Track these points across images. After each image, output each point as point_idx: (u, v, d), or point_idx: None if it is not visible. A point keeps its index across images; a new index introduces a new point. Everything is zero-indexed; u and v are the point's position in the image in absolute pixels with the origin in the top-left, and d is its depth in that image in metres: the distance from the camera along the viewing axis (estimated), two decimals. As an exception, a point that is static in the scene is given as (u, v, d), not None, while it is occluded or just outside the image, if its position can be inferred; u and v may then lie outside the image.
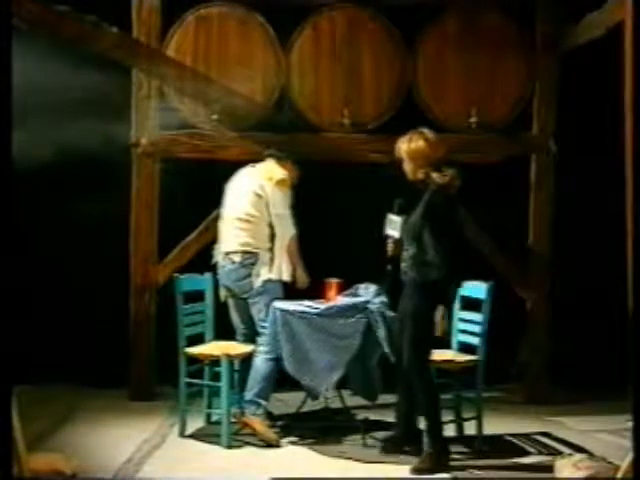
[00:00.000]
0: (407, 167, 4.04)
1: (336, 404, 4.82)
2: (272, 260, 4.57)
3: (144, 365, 5.35)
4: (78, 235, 5.42)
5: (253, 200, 4.58)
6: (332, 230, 5.38)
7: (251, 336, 4.66)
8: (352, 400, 4.83)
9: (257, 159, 4.88)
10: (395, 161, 4.11)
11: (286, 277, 4.59)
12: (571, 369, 5.55)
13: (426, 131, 4.06)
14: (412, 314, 3.99)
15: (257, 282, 4.53)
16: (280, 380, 4.53)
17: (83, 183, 5.28)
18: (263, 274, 4.54)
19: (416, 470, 3.91)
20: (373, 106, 5.33)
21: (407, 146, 4.02)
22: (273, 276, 4.55)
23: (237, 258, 4.57)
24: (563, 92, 5.39)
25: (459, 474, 3.92)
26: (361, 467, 4.03)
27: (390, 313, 4.28)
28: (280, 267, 4.55)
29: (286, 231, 4.57)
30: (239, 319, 4.75)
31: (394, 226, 4.07)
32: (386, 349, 4.24)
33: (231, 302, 4.74)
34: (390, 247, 4.11)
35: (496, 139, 5.36)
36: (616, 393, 4.81)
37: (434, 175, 3.94)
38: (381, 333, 4.26)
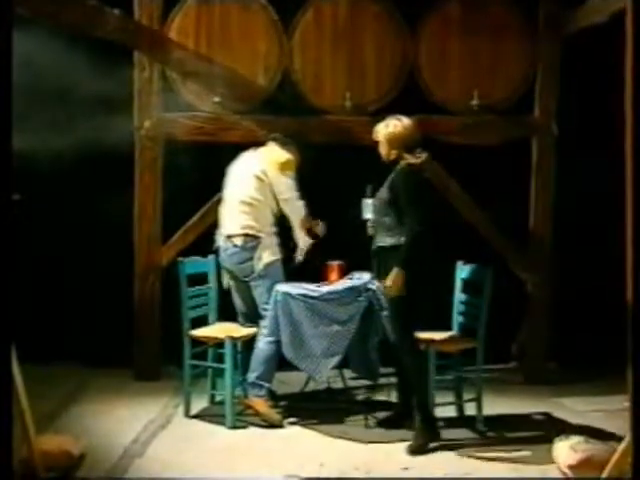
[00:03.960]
0: (382, 149, 4.24)
1: (338, 384, 4.89)
2: (277, 244, 4.64)
3: (149, 345, 5.40)
4: (84, 218, 5.46)
5: (256, 184, 4.60)
6: (334, 213, 5.39)
7: (253, 318, 4.71)
8: (353, 380, 4.89)
9: (259, 141, 4.90)
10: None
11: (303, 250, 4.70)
12: (571, 349, 5.61)
13: (402, 117, 4.23)
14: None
15: (259, 265, 4.57)
16: (283, 361, 4.57)
17: (86, 168, 5.29)
18: (265, 257, 4.57)
19: (410, 449, 3.99)
20: (375, 89, 5.33)
21: (385, 130, 4.20)
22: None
23: (239, 241, 4.61)
24: (565, 74, 5.38)
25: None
26: (363, 448, 4.10)
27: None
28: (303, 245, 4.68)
29: (296, 213, 4.64)
30: (241, 301, 4.80)
31: (371, 209, 4.31)
32: (388, 328, 4.28)
33: (233, 285, 4.79)
34: (370, 229, 4.32)
35: (497, 121, 5.36)
36: (615, 373, 4.86)
37: (406, 155, 4.14)
38: (385, 312, 4.29)
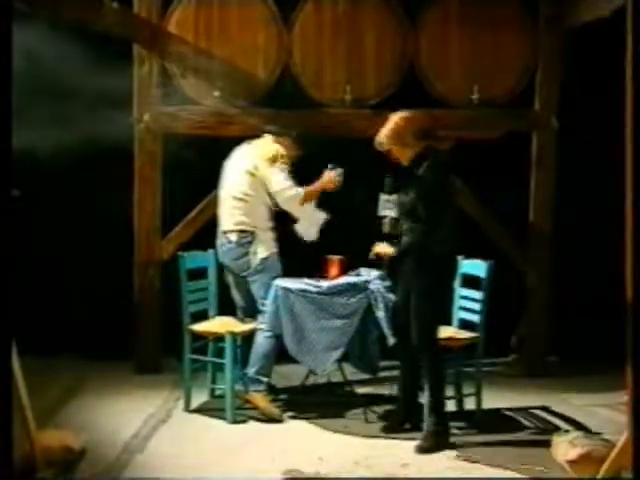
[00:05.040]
0: (397, 153, 4.04)
1: (337, 377, 4.89)
2: (272, 239, 4.64)
3: (149, 338, 5.41)
4: (85, 212, 5.48)
5: (247, 179, 4.59)
6: (333, 207, 5.39)
7: (252, 312, 4.71)
8: (353, 374, 4.89)
9: (259, 135, 4.87)
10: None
11: (322, 219, 4.66)
12: (571, 342, 5.61)
13: (398, 112, 4.07)
14: (418, 291, 4.01)
15: (255, 260, 4.57)
16: (284, 354, 4.57)
17: (86, 162, 5.27)
18: (260, 252, 4.57)
19: (420, 449, 3.96)
20: (375, 82, 5.31)
21: (384, 132, 4.02)
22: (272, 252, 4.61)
23: (233, 237, 4.61)
24: (566, 68, 5.35)
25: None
26: (362, 442, 4.11)
27: (390, 295, 4.31)
28: (314, 216, 4.64)
29: (290, 200, 4.57)
30: (239, 296, 4.80)
31: (389, 205, 4.14)
32: (385, 330, 4.28)
33: (231, 279, 4.79)
34: (387, 226, 4.18)
35: (498, 115, 5.34)
36: (615, 366, 4.86)
37: (428, 144, 3.97)
38: (380, 314, 4.30)
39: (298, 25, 5.29)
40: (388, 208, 4.14)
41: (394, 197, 4.13)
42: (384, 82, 5.31)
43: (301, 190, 4.60)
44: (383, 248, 4.11)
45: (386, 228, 4.19)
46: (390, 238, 4.16)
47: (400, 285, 4.20)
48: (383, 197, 4.17)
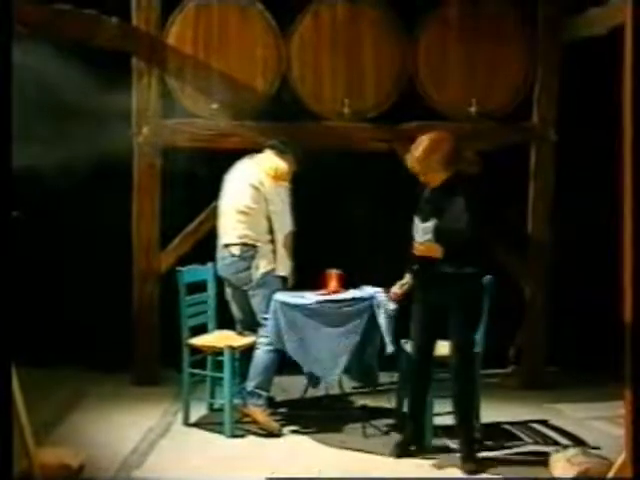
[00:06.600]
0: (428, 178, 3.99)
1: (336, 390, 4.89)
2: (273, 252, 4.62)
3: (148, 351, 5.41)
4: (84, 224, 5.47)
5: (251, 193, 4.58)
6: (332, 220, 5.40)
7: (251, 326, 4.71)
8: (352, 386, 4.89)
9: (257, 148, 4.87)
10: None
11: (283, 272, 4.62)
12: (570, 353, 5.62)
13: (425, 135, 4.02)
14: (471, 313, 4.02)
15: (256, 274, 4.57)
16: (283, 366, 4.58)
17: (86, 175, 5.27)
18: (262, 266, 4.57)
19: (470, 469, 3.91)
20: (374, 95, 5.31)
21: (412, 157, 3.96)
22: (275, 269, 4.59)
23: (236, 250, 4.60)
24: (564, 80, 5.37)
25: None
26: (361, 457, 4.11)
27: (391, 305, 4.31)
28: (283, 262, 4.60)
29: (282, 227, 4.59)
30: (238, 309, 4.79)
31: (426, 230, 3.98)
32: (385, 337, 4.27)
33: (230, 293, 4.78)
34: (421, 249, 3.98)
35: (496, 128, 5.35)
36: (614, 377, 4.86)
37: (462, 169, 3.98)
38: (381, 320, 4.29)
39: (297, 38, 5.30)
40: (425, 232, 3.98)
41: (431, 223, 3.96)
42: (383, 95, 5.32)
43: (291, 229, 4.61)
44: (429, 248, 3.93)
45: (420, 250, 3.99)
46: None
47: (426, 303, 4.07)
48: (420, 225, 4.01)
